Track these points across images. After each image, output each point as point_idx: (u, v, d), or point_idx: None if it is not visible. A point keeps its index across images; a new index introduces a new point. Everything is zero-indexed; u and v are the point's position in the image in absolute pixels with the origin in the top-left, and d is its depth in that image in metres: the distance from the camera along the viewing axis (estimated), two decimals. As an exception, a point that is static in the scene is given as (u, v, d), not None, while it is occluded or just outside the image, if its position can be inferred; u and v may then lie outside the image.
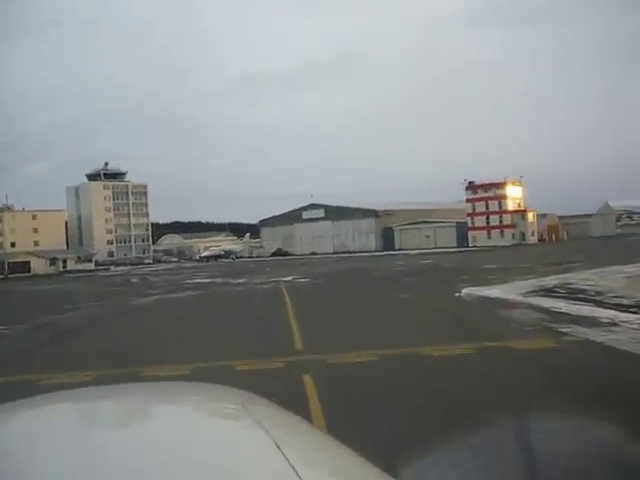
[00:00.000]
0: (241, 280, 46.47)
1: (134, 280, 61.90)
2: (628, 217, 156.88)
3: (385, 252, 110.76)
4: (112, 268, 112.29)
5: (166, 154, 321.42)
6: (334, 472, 1.38)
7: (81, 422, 1.78)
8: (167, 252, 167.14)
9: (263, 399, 1.96)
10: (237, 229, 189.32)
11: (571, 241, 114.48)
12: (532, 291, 23.00)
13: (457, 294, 24.13)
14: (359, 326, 16.71)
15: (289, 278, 45.50)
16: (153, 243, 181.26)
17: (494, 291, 23.89)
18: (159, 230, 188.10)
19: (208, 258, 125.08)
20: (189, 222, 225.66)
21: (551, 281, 26.51)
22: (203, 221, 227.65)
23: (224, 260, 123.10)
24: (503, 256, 64.41)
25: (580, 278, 26.91)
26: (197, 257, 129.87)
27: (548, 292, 22.22)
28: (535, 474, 1.56)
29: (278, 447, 1.31)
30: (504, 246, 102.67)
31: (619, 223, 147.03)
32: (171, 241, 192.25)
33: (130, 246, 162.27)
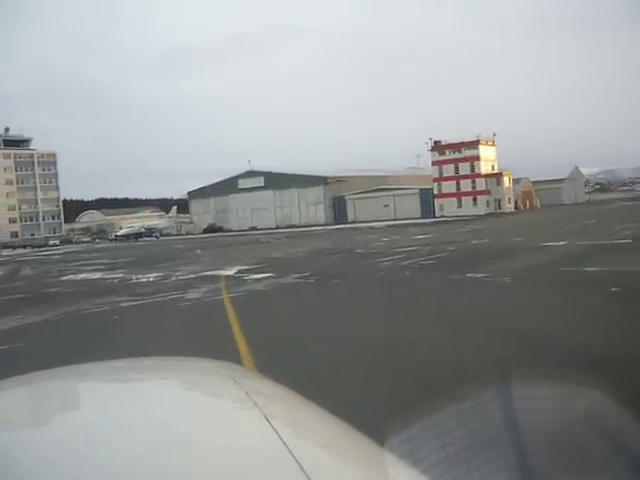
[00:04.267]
0: (153, 276, 27.80)
1: None
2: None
3: (337, 225, 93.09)
4: None
5: (92, 130, 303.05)
6: (323, 443, 1.38)
7: (72, 399, 1.71)
8: (86, 230, 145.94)
9: (253, 372, 2.15)
10: (167, 205, 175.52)
11: (547, 208, 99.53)
12: None
13: None
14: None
15: (232, 271, 27.19)
16: (72, 221, 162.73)
17: None
18: (84, 207, 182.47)
19: (126, 237, 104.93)
20: (115, 198, 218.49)
21: None
22: (130, 197, 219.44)
23: (146, 239, 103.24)
24: (492, 229, 47.54)
25: None
26: (113, 236, 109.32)
27: None
28: (520, 441, 1.63)
29: (267, 419, 1.31)
30: (478, 216, 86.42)
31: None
32: (91, 218, 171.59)
33: (38, 224, 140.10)
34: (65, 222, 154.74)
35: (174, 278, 25.83)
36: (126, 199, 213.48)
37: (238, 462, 1.18)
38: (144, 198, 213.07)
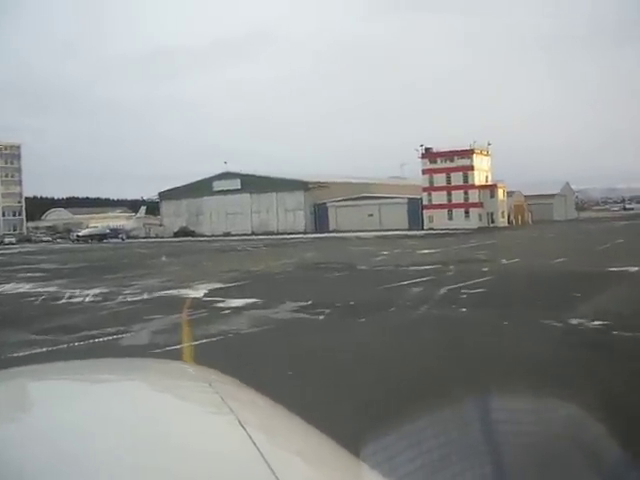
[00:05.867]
0: (93, 294, 20.61)
1: None
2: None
3: (318, 234, 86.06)
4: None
5: (68, 128, 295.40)
6: (297, 451, 1.37)
7: (43, 398, 1.66)
8: (52, 229, 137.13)
9: (230, 378, 1.95)
10: (139, 206, 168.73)
11: (541, 224, 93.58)
12: None
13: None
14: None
15: (201, 291, 20.14)
16: (37, 218, 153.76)
17: None
18: (54, 205, 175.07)
19: (90, 238, 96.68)
20: (87, 198, 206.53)
21: None
22: (102, 197, 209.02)
23: (111, 241, 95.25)
24: (507, 246, 41.24)
25: None
26: (74, 237, 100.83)
27: None
28: (497, 452, 1.63)
29: (242, 425, 1.30)
30: (471, 229, 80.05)
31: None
32: (58, 216, 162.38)
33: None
34: (31, 220, 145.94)
35: (119, 299, 18.62)
36: (98, 199, 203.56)
37: (211, 467, 1.17)
38: (116, 199, 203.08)
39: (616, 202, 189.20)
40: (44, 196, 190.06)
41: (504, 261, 28.16)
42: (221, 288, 20.91)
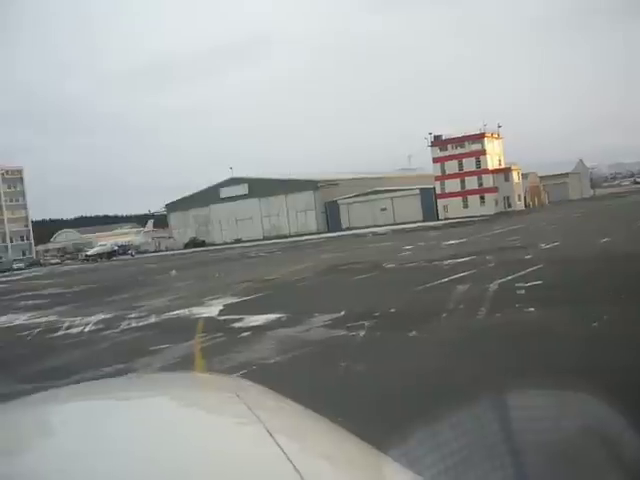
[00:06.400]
0: (94, 321, 18.41)
1: None
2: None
3: (332, 233, 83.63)
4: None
5: (71, 146, 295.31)
6: (327, 456, 1.37)
7: (78, 418, 1.66)
8: (62, 250, 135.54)
9: (257, 386, 1.96)
10: (147, 220, 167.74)
11: (559, 205, 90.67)
12: None
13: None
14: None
15: (215, 307, 17.86)
16: (47, 241, 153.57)
17: None
18: (64, 226, 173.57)
19: (98, 256, 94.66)
20: (95, 216, 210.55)
21: None
22: (111, 214, 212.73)
23: (121, 257, 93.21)
24: (537, 230, 38.74)
25: None
26: (83, 256, 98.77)
27: None
28: (517, 451, 1.69)
29: (270, 434, 1.30)
30: (486, 216, 77.39)
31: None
32: (67, 237, 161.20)
33: (6, 246, 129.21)
34: (41, 243, 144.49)
35: (123, 326, 16.27)
36: (106, 216, 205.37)
37: (241, 477, 1.17)
38: (124, 214, 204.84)
39: (625, 177, 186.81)
40: (53, 218, 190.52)
41: (544, 245, 25.62)
42: (237, 303, 18.55)
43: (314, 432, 1.56)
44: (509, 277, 16.55)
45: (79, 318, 19.00)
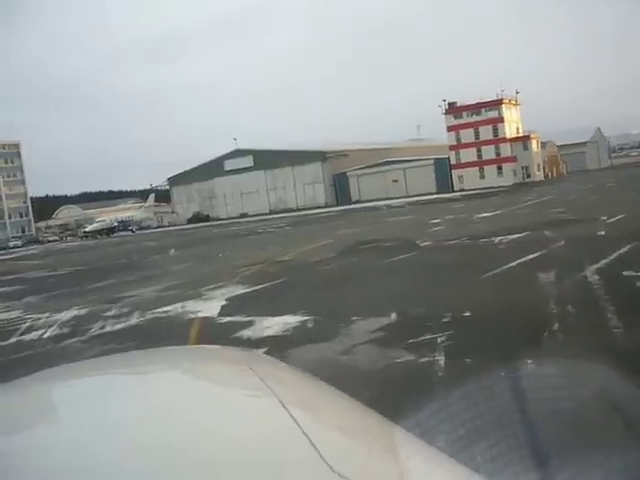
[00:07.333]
0: (67, 318, 14.46)
1: None
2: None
3: (342, 207, 79.52)
4: None
5: (75, 121, 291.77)
6: (341, 427, 1.37)
7: (86, 394, 1.62)
8: (63, 227, 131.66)
9: (270, 358, 1.90)
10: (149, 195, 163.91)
11: (578, 175, 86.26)
12: None
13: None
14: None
15: (217, 302, 13.83)
16: (49, 218, 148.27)
17: None
18: (67, 203, 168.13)
19: (98, 233, 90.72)
20: (100, 192, 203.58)
21: None
22: (115, 190, 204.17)
23: (121, 234, 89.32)
24: (572, 198, 34.60)
25: None
26: (82, 233, 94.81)
27: None
28: (529, 422, 1.71)
29: (284, 406, 1.30)
30: (505, 187, 73.18)
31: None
32: (69, 213, 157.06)
33: (4, 223, 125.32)
34: (42, 219, 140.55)
35: (95, 330, 12.30)
36: (110, 192, 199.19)
37: (255, 449, 1.16)
38: (128, 189, 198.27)
39: (633, 147, 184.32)
40: (56, 194, 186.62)
41: (606, 219, 21.50)
42: (245, 295, 14.57)
43: (328, 404, 1.55)
44: (603, 261, 12.50)
45: (46, 315, 15.06)
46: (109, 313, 14.22)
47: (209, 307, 13.36)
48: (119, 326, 12.50)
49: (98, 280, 22.36)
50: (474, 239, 20.19)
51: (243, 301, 13.67)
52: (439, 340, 7.90)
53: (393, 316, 9.82)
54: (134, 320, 12.99)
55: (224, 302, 13.78)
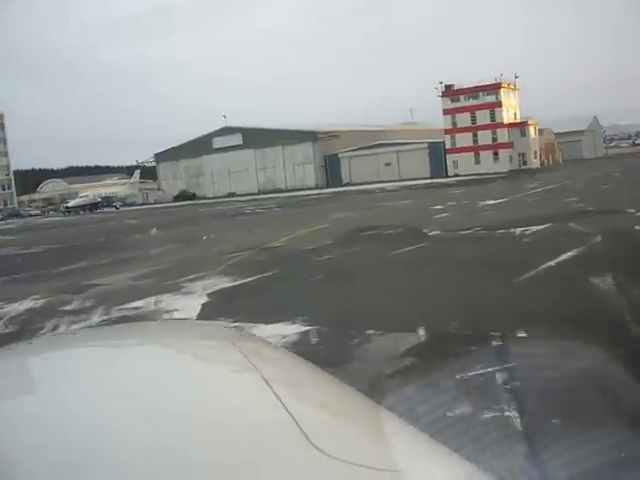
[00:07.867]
0: (26, 310, 12.17)
1: None
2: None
3: (333, 189, 77.21)
4: None
5: (63, 95, 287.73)
6: (325, 405, 1.37)
7: (71, 366, 1.61)
8: (47, 201, 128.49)
9: (252, 335, 2.12)
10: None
11: (575, 163, 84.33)
12: None
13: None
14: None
15: (198, 299, 11.52)
16: (33, 191, 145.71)
17: None
18: (53, 176, 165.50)
19: (81, 208, 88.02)
20: (86, 167, 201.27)
21: None
22: (102, 165, 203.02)
23: (105, 210, 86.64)
24: (586, 187, 32.54)
25: None
26: (64, 208, 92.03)
27: None
28: (518, 398, 1.66)
29: (267, 383, 1.30)
30: (500, 174, 71.14)
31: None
32: (53, 187, 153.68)
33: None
34: (26, 193, 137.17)
35: (49, 327, 10.03)
36: (97, 167, 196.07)
37: (237, 425, 1.16)
38: (116, 165, 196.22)
39: (622, 139, 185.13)
40: (43, 167, 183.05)
41: (634, 211, 19.39)
42: (230, 290, 12.33)
43: (312, 382, 1.54)
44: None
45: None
46: (69, 307, 11.97)
47: (187, 305, 11.12)
48: (75, 327, 10.23)
49: (69, 262, 20.07)
50: (489, 229, 18.01)
51: (228, 298, 11.43)
52: (498, 380, 5.62)
53: (421, 332, 7.62)
54: (96, 318, 10.72)
55: (205, 299, 11.54)
